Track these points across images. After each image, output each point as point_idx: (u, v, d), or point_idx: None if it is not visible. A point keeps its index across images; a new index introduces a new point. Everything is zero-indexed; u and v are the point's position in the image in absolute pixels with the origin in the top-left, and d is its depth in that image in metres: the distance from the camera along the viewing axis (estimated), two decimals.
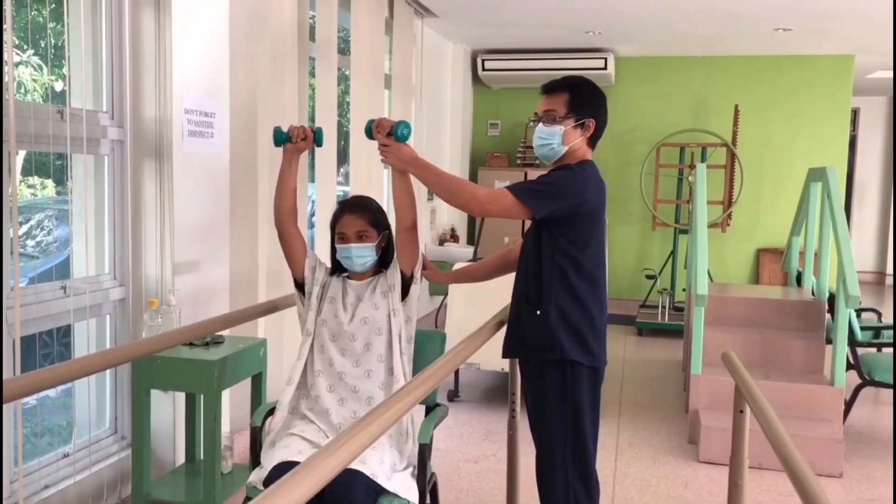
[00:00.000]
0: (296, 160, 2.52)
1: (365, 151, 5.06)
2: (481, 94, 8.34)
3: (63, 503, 2.88)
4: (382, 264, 2.57)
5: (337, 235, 2.51)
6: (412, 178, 2.37)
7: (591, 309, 2.38)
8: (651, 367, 5.81)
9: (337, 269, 2.59)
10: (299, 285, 2.57)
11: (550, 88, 2.40)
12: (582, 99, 2.37)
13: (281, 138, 2.50)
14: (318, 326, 2.50)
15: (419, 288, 2.54)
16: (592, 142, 2.41)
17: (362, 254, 2.48)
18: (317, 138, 2.52)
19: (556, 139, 2.35)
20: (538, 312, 2.36)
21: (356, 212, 2.51)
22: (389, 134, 2.31)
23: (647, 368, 5.75)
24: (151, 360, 2.90)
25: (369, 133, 2.37)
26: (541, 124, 2.37)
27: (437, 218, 7.42)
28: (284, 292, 2.70)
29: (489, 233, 6.67)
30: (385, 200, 5.41)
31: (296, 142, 2.49)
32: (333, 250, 2.55)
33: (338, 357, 2.45)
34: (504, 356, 2.58)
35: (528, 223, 2.45)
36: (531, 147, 2.46)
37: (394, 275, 2.50)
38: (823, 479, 3.65)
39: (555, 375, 2.37)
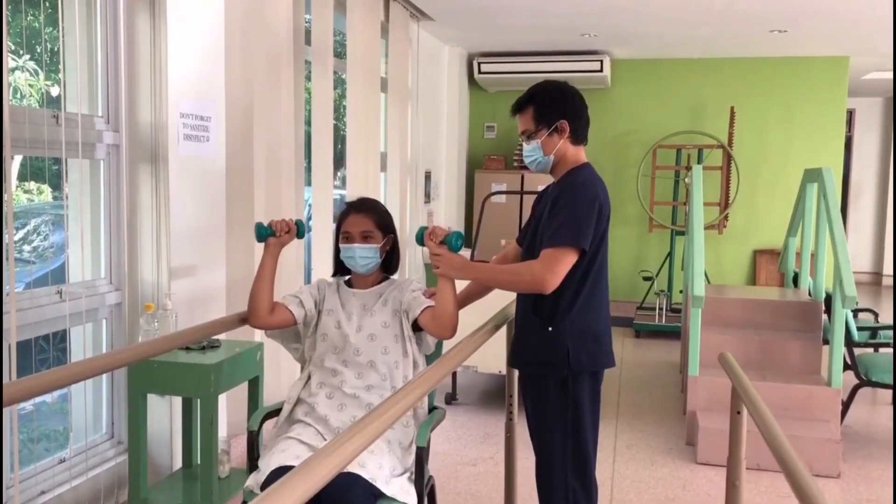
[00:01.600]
0: (278, 253, 2.50)
1: (362, 156, 5.06)
2: (477, 97, 8.35)
3: None
4: (387, 269, 2.57)
5: (342, 235, 2.50)
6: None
7: (600, 313, 2.39)
8: (648, 368, 5.81)
9: (339, 271, 2.59)
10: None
11: (516, 108, 2.46)
12: (545, 106, 2.39)
13: (264, 233, 2.48)
14: (318, 342, 2.49)
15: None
16: (577, 139, 2.41)
17: (366, 254, 2.47)
18: (299, 231, 2.52)
19: (538, 153, 2.41)
20: (550, 329, 2.35)
21: (362, 212, 2.50)
22: (442, 242, 2.36)
23: (644, 370, 5.75)
24: (148, 365, 2.89)
25: (420, 240, 2.41)
26: (524, 143, 2.44)
27: (435, 222, 7.42)
28: (281, 296, 2.69)
29: (486, 236, 6.66)
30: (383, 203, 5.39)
31: (280, 235, 2.48)
32: (337, 250, 2.54)
33: (340, 367, 2.43)
34: (511, 366, 2.58)
35: (522, 225, 2.46)
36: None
37: (410, 304, 2.45)
38: (821, 480, 3.65)
39: (557, 381, 2.36)
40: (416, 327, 2.48)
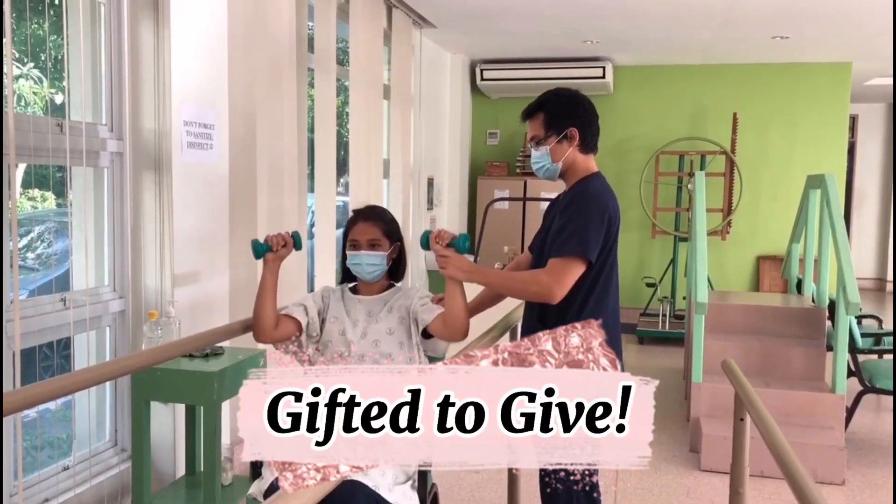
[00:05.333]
0: (278, 268, 2.46)
1: (364, 162, 5.07)
2: (480, 104, 8.36)
3: None
4: (393, 276, 2.57)
5: (349, 243, 2.50)
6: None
7: (607, 319, 2.39)
8: (652, 375, 5.75)
9: (345, 278, 2.59)
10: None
11: (526, 114, 2.45)
12: (555, 113, 2.40)
13: (261, 250, 2.44)
14: (322, 350, 2.48)
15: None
16: (587, 147, 2.41)
17: (373, 262, 2.47)
18: (296, 243, 2.47)
19: (546, 160, 2.41)
20: None
21: (370, 220, 2.50)
22: (449, 245, 2.35)
23: (647, 376, 5.73)
24: (151, 372, 2.89)
25: (426, 244, 2.39)
26: (532, 150, 2.44)
27: (436, 227, 7.42)
28: (284, 303, 2.70)
29: (489, 243, 6.67)
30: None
31: (276, 250, 2.44)
32: (344, 257, 2.55)
33: None
34: None
35: (528, 237, 2.46)
36: (530, 156, 2.51)
37: (421, 312, 2.43)
38: (825, 487, 3.64)
39: None
40: (426, 335, 2.47)
